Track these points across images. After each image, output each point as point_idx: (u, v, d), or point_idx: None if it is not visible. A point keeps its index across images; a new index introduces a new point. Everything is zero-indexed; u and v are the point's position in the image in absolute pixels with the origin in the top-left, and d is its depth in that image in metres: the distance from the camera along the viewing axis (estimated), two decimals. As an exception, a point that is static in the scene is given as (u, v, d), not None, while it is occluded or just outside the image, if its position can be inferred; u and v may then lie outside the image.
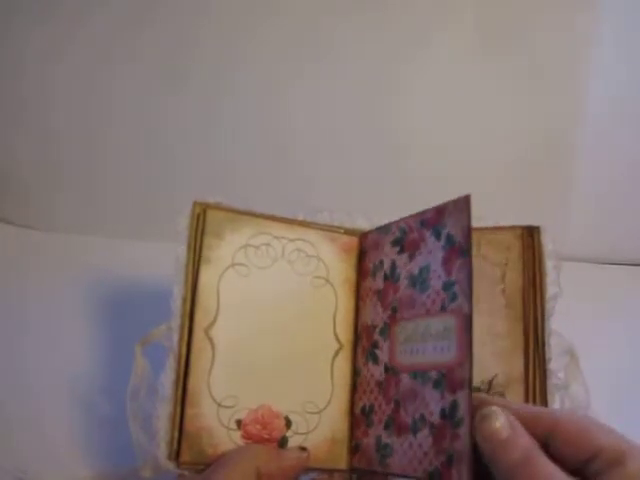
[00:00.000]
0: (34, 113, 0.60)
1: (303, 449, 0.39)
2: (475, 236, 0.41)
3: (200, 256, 0.39)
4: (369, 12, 0.56)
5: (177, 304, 0.38)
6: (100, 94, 0.59)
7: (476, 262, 0.41)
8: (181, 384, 0.37)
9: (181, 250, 0.39)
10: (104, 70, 0.58)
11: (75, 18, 0.56)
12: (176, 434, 0.37)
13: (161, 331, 0.39)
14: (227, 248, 0.40)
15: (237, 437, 0.38)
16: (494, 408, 0.30)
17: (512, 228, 0.41)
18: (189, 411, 0.37)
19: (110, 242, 0.62)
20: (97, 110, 0.59)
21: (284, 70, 0.58)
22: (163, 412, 0.37)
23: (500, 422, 0.30)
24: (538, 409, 0.33)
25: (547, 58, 0.57)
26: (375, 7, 0.56)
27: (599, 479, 0.29)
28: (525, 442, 0.30)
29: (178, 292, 0.38)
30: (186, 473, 0.37)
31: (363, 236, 0.43)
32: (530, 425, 0.30)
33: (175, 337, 0.38)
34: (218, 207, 0.40)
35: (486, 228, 0.42)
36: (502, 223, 0.42)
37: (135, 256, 0.60)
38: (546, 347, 0.38)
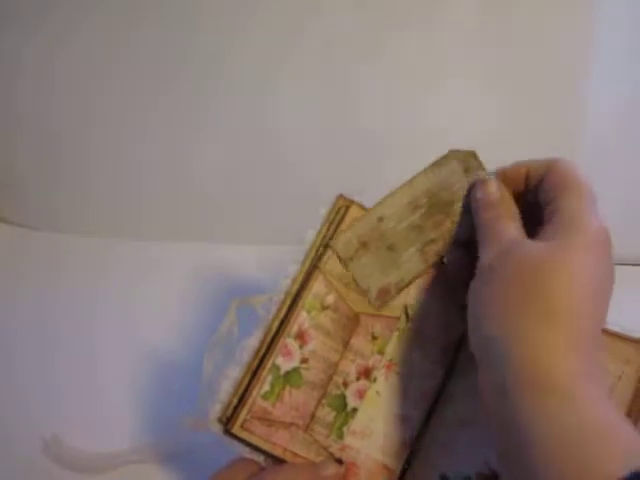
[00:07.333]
0: (33, 113, 0.60)
1: (340, 462, 0.38)
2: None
3: (326, 247, 0.39)
4: (361, 12, 0.56)
5: (287, 281, 0.38)
6: (98, 94, 0.59)
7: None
8: (259, 358, 0.37)
9: (310, 234, 0.39)
10: (102, 70, 0.58)
11: (73, 18, 0.57)
12: (235, 401, 0.36)
13: (261, 300, 0.39)
14: None
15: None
16: (491, 177, 0.36)
17: (636, 341, 0.38)
18: (255, 386, 0.37)
19: (109, 242, 0.62)
20: (95, 110, 0.59)
21: (276, 69, 0.58)
22: (231, 374, 0.37)
23: (492, 187, 0.35)
24: (532, 162, 0.35)
25: (548, 58, 0.56)
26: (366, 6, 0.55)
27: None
28: (502, 209, 0.34)
29: (292, 271, 0.38)
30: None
31: None
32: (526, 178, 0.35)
33: (273, 310, 0.37)
34: (361, 207, 0.40)
35: (606, 331, 0.38)
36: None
37: (137, 256, 0.61)
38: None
